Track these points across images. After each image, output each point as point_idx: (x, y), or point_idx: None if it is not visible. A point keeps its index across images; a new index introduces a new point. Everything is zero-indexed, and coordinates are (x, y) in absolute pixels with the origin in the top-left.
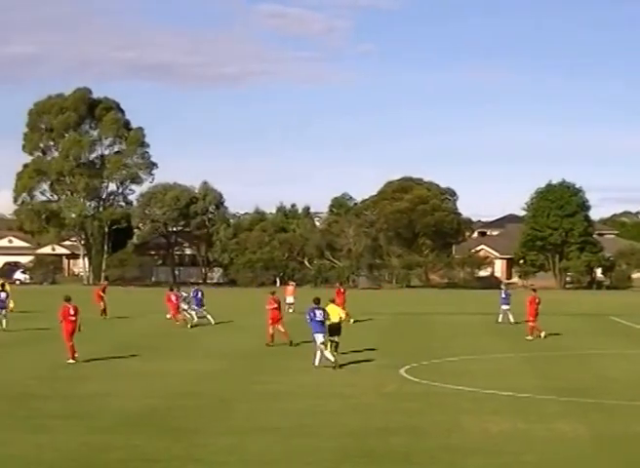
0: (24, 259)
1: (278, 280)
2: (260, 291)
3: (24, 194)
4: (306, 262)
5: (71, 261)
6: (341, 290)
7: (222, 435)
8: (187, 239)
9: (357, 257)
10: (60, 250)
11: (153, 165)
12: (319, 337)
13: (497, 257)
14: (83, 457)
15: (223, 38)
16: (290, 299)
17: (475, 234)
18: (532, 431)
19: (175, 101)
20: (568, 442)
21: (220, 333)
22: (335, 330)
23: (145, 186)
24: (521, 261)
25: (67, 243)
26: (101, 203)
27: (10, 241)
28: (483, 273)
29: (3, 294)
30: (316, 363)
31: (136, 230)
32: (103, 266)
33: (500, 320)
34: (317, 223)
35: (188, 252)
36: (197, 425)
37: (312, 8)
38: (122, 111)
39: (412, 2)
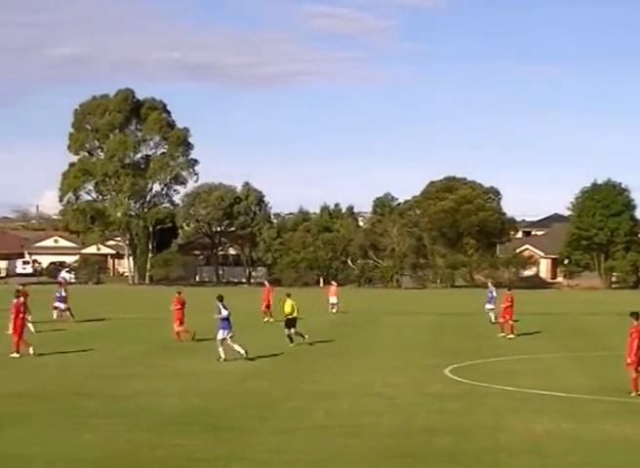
0: (70, 259)
1: (322, 280)
2: (305, 290)
3: (70, 194)
4: (350, 262)
5: (116, 261)
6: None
7: (267, 434)
8: (231, 239)
9: (401, 257)
10: (104, 249)
11: (197, 165)
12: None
13: (541, 257)
14: (126, 456)
15: (269, 38)
16: (333, 299)
17: (520, 234)
18: (578, 431)
19: (219, 102)
20: (615, 443)
21: (264, 333)
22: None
23: (190, 186)
24: (566, 261)
25: (112, 243)
26: (146, 203)
27: (55, 241)
28: (528, 273)
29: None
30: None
31: (180, 230)
32: (148, 266)
33: (493, 320)
34: (361, 223)
35: (232, 251)
36: (241, 424)
37: (358, 7)
38: (167, 112)
39: (458, 1)
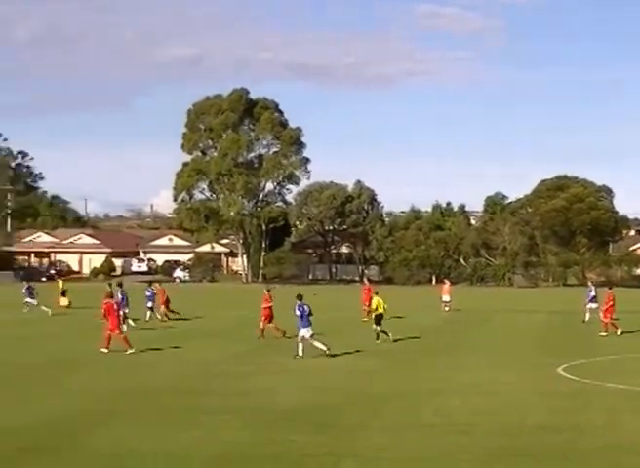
0: (184, 258)
1: (434, 278)
2: (417, 289)
3: (184, 193)
4: (462, 260)
5: (230, 259)
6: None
7: (376, 431)
8: (344, 237)
9: (513, 256)
10: (218, 248)
11: (309, 164)
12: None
13: None
14: (239, 452)
15: (379, 38)
16: (445, 298)
17: (632, 232)
18: None
19: (330, 101)
20: None
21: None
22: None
23: (302, 185)
24: None
25: (226, 241)
26: (259, 202)
27: (170, 239)
28: None
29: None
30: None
31: (293, 228)
32: (261, 264)
33: (587, 319)
34: (472, 222)
35: (345, 250)
36: (351, 421)
37: (467, 7)
38: (280, 111)
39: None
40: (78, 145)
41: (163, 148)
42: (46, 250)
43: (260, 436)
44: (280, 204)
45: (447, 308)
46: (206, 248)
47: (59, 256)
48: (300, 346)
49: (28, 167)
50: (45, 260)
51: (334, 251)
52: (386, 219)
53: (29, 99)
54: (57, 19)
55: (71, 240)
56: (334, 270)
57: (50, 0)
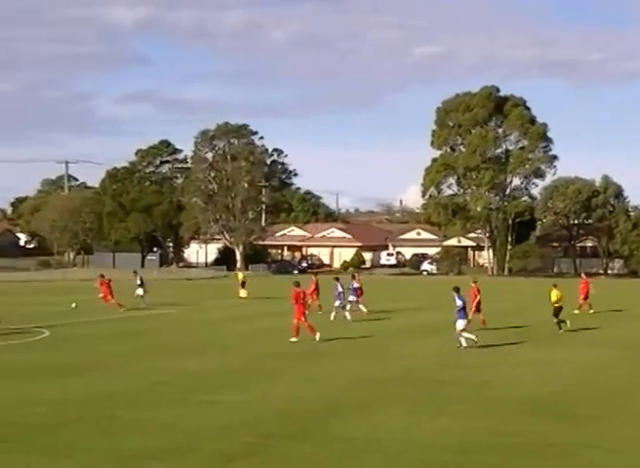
0: (431, 251)
1: None
2: None
3: (432, 188)
4: None
5: (476, 253)
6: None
7: (621, 423)
8: (588, 231)
9: None
10: (465, 241)
11: (555, 159)
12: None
13: None
14: (482, 441)
15: (625, 34)
16: None
17: None
18: None
19: (578, 97)
20: None
21: (609, 323)
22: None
23: (548, 180)
24: None
25: (472, 235)
26: (506, 196)
27: (418, 233)
28: None
29: (355, 284)
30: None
31: (538, 222)
32: (507, 258)
33: None
34: None
35: (589, 243)
36: (596, 412)
37: None
38: (527, 108)
39: None
40: (331, 143)
41: (412, 145)
42: (298, 243)
43: (500, 425)
44: (526, 198)
45: None
46: (453, 241)
47: (310, 250)
48: (462, 338)
49: (283, 164)
50: (297, 254)
51: (578, 244)
52: (631, 213)
53: (283, 99)
54: (312, 21)
55: (323, 234)
56: (578, 263)
57: (305, 3)
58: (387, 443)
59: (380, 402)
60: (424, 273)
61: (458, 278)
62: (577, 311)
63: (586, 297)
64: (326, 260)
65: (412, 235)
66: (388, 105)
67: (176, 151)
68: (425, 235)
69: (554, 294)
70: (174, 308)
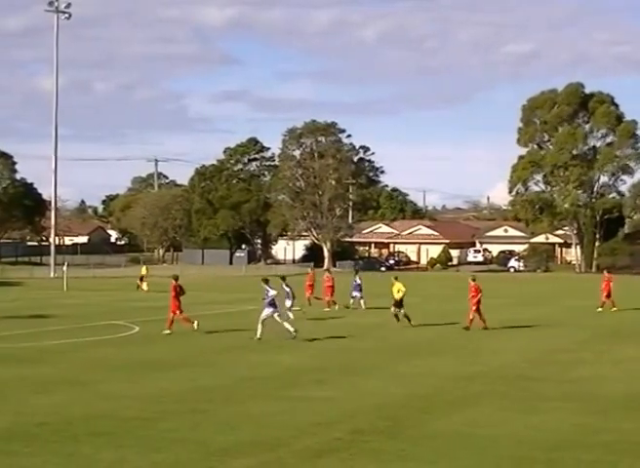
0: (519, 248)
1: None
2: None
3: (519, 185)
4: None
5: (564, 250)
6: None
7: None
8: None
9: None
10: (553, 238)
11: None
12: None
13: None
14: (575, 439)
15: None
16: None
17: None
18: None
19: None
20: None
21: None
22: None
23: (637, 177)
24: None
25: (560, 232)
26: (593, 193)
27: (505, 230)
28: None
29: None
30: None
31: (627, 219)
32: (595, 255)
33: None
34: None
35: None
36: None
37: None
38: (615, 105)
39: None
40: (418, 140)
41: (499, 142)
42: (385, 240)
43: (595, 423)
44: (614, 195)
45: None
46: (540, 238)
47: (397, 247)
48: (286, 326)
49: (370, 161)
50: (384, 251)
51: None
52: None
53: (372, 97)
54: (401, 19)
55: (410, 231)
56: None
57: (396, 1)
58: (479, 439)
59: (471, 398)
60: (511, 270)
61: (545, 275)
62: (600, 309)
63: (609, 295)
64: (413, 257)
65: (499, 232)
66: (477, 103)
67: (264, 149)
68: (513, 232)
69: (396, 287)
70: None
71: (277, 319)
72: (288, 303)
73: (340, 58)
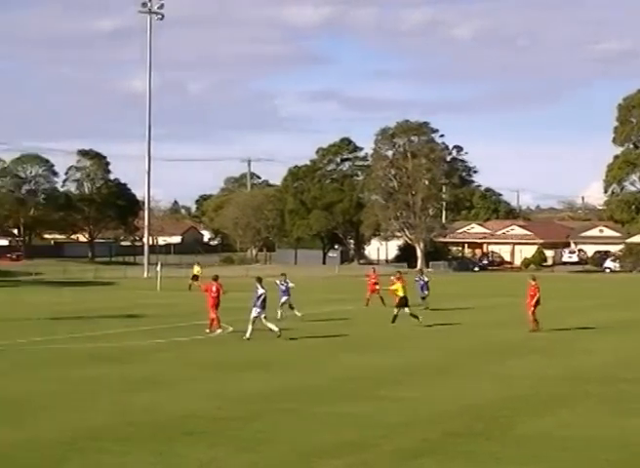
0: (614, 248)
1: None
2: None
3: (614, 185)
4: None
5: None
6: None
7: None
8: None
9: None
10: None
11: None
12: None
13: None
14: None
15: None
16: None
17: None
18: None
19: None
20: None
21: None
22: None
23: None
24: None
25: None
26: None
27: (600, 230)
28: None
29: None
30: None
31: None
32: None
33: None
34: None
35: None
36: None
37: None
38: None
39: None
40: (512, 139)
41: (594, 141)
42: (479, 240)
43: None
44: None
45: None
46: (637, 239)
47: (491, 247)
48: (269, 325)
49: (463, 161)
50: (478, 251)
51: None
52: None
53: (465, 96)
54: (493, 17)
55: (503, 231)
56: None
57: (490, 0)
58: (574, 441)
59: (565, 399)
60: (607, 271)
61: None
62: None
63: None
64: (507, 258)
65: (594, 232)
66: (571, 101)
67: (356, 149)
68: (608, 232)
69: (397, 286)
70: (354, 304)
71: (263, 320)
72: (283, 299)
73: (433, 57)
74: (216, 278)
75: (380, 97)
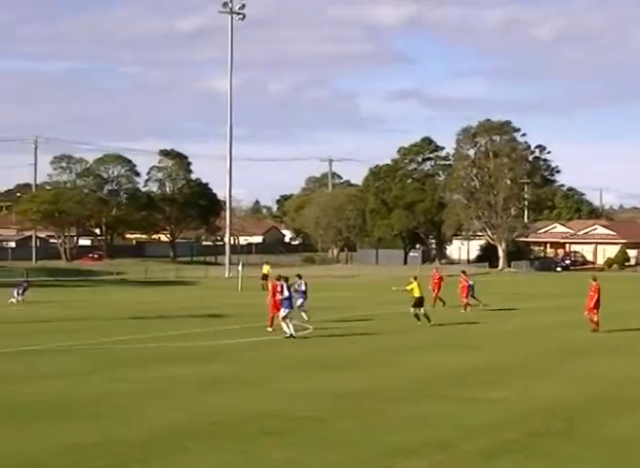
0: None
1: None
2: None
3: None
4: None
5: None
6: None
7: None
8: None
9: None
10: None
11: None
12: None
13: None
14: None
15: None
16: None
17: None
18: None
19: None
20: None
21: None
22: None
23: None
24: None
25: None
26: None
27: None
28: None
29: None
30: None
31: None
32: None
33: None
34: None
35: None
36: None
37: None
38: None
39: None
40: (595, 138)
41: None
42: (561, 240)
43: None
44: None
45: None
46: None
47: (573, 247)
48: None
49: (545, 160)
50: (560, 251)
51: None
52: None
53: (547, 95)
54: (575, 16)
55: (586, 231)
56: None
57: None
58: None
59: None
60: None
61: None
62: None
63: None
64: (589, 258)
65: None
66: None
67: (437, 148)
68: None
69: (413, 286)
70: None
71: (282, 319)
72: (299, 302)
73: (514, 57)
74: (279, 278)
75: (460, 96)
